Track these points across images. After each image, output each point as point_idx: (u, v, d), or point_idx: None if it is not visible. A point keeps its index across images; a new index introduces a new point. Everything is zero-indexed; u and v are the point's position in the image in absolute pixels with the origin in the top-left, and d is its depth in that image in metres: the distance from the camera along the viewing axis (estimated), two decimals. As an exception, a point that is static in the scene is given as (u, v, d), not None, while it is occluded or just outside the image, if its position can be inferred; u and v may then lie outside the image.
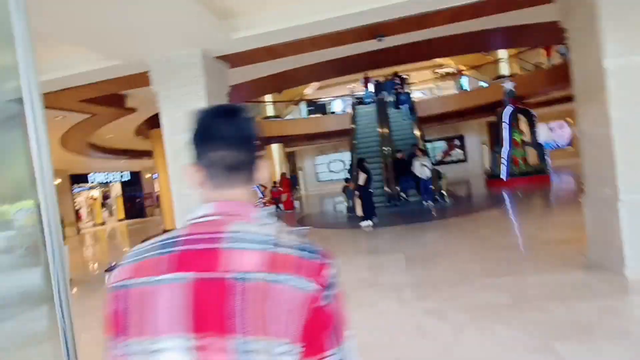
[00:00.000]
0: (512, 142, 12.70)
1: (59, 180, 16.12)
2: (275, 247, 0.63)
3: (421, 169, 10.30)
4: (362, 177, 8.34)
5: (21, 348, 1.35)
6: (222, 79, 5.24)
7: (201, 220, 0.69)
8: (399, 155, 11.44)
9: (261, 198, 14.72)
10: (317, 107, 23.85)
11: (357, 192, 8.68)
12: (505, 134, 12.69)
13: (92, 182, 19.81)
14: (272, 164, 19.48)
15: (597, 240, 4.17)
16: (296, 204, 15.10)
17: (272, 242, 0.64)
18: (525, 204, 9.58)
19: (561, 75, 14.34)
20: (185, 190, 4.57)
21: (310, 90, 25.93)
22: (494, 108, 18.03)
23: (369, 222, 8.34)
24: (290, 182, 14.29)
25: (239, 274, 0.60)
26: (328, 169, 24.94)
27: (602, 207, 4.01)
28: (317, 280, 0.62)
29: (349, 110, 17.65)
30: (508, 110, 12.75)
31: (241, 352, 0.58)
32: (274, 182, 14.44)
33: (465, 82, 20.78)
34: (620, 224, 3.70)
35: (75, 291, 6.14)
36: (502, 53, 17.79)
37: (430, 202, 10.27)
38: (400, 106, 15.35)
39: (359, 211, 8.43)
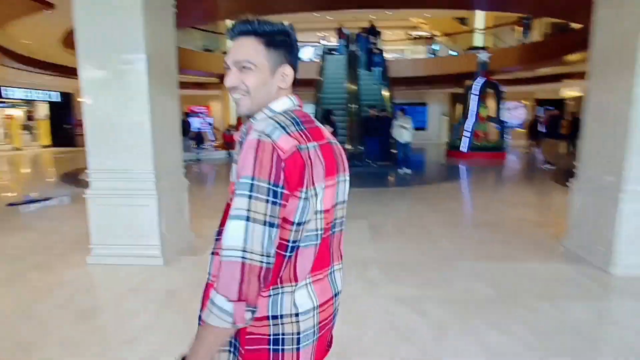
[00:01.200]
0: (478, 116, 12.44)
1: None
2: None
3: (400, 131, 9.41)
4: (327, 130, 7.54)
5: None
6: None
7: (295, 107, 0.96)
8: (371, 112, 10.37)
9: (212, 141, 13.47)
10: None
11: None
12: (473, 106, 12.36)
13: (8, 98, 16.94)
14: (227, 105, 17.93)
15: (581, 230, 3.81)
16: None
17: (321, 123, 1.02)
18: (488, 179, 9.43)
19: (535, 54, 14.17)
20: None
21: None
22: (462, 79, 17.76)
23: (328, 181, 7.70)
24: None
25: (332, 140, 0.97)
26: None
27: (597, 195, 3.59)
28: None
29: (318, 60, 16.28)
30: (479, 81, 12.34)
31: (343, 182, 0.98)
32: (229, 125, 13.15)
33: (437, 48, 20.07)
34: (617, 217, 3.30)
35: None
36: (479, 23, 17.22)
37: (406, 170, 9.37)
38: (373, 68, 14.31)
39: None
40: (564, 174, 9.61)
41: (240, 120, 9.88)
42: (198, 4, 6.60)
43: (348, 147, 10.40)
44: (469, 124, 12.34)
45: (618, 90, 3.35)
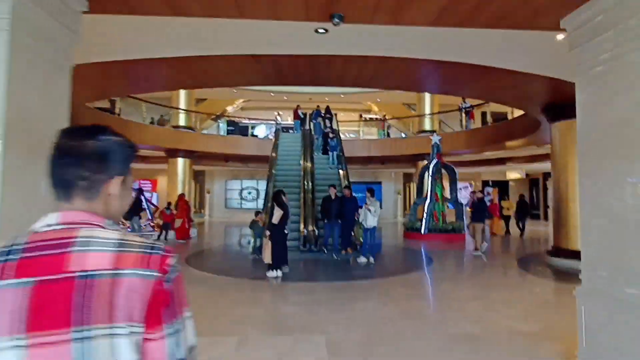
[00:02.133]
0: (434, 196, 12.22)
1: None
2: (122, 247, 0.72)
3: (367, 214, 8.05)
4: (277, 214, 6.56)
5: None
6: (61, 36, 2.79)
7: (45, 229, 0.74)
8: (331, 191, 9.06)
9: (149, 220, 11.94)
10: (239, 129, 21.82)
11: (267, 232, 6.82)
12: (429, 186, 12.18)
13: None
14: (174, 180, 16.66)
15: (600, 351, 2.97)
16: (193, 232, 12.56)
17: (119, 245, 0.72)
18: (453, 267, 8.71)
19: (480, 139, 14.92)
20: None
21: (232, 108, 23.90)
22: (414, 160, 18.24)
23: (278, 273, 6.51)
24: (188, 205, 11.76)
25: (85, 273, 0.67)
26: (240, 196, 22.64)
27: (615, 309, 2.83)
28: (159, 268, 0.72)
29: (272, 137, 15.93)
30: (433, 162, 12.36)
31: (79, 340, 0.65)
32: (168, 203, 11.81)
33: (389, 130, 20.84)
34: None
35: None
36: (427, 109, 18.17)
37: (371, 258, 8.10)
38: (330, 152, 13.99)
39: (267, 257, 6.55)
40: (522, 258, 9.34)
41: (181, 198, 8.58)
42: (118, 70, 5.83)
43: (302, 230, 9.43)
44: (426, 204, 12.02)
45: (625, 174, 2.78)
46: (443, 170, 12.65)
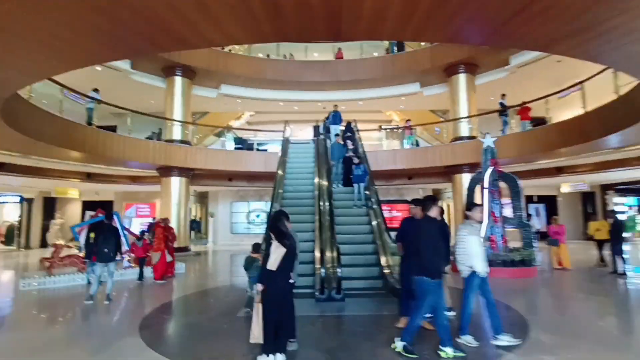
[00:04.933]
0: (491, 217, 9.29)
1: None
2: None
3: (471, 246, 4.20)
4: (275, 255, 3.80)
5: None
6: None
7: None
8: (412, 208, 4.95)
9: (127, 252, 9.32)
10: (247, 147, 18.82)
11: (258, 287, 4.04)
12: (486, 203, 9.28)
13: None
14: (168, 203, 14.20)
15: None
16: (180, 267, 9.88)
17: None
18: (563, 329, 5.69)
19: (538, 142, 11.86)
20: None
21: (237, 123, 21.63)
22: (449, 172, 15.35)
23: (277, 359, 3.71)
24: (168, 233, 9.07)
25: None
26: (247, 219, 20.03)
27: None
28: None
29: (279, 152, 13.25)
30: (489, 172, 9.49)
31: None
32: (141, 232, 9.21)
33: (415, 139, 17.78)
34: None
35: None
36: (463, 111, 15.37)
37: (470, 340, 4.20)
38: (354, 184, 10.08)
39: (256, 332, 3.77)
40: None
41: (158, 224, 5.76)
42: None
43: (317, 268, 6.66)
44: (484, 228, 9.08)
45: None
46: (502, 182, 9.75)
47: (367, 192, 10.01)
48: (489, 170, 9.56)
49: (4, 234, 18.81)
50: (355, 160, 10.63)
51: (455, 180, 15.22)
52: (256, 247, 6.24)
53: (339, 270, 6.53)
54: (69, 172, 14.45)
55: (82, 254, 8.74)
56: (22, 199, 18.22)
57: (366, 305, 6.17)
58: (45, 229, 17.50)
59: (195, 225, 19.81)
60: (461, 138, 14.88)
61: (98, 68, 12.65)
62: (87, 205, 19.16)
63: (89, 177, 15.27)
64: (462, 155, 14.29)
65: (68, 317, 5.98)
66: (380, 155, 15.22)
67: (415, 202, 5.05)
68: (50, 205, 19.32)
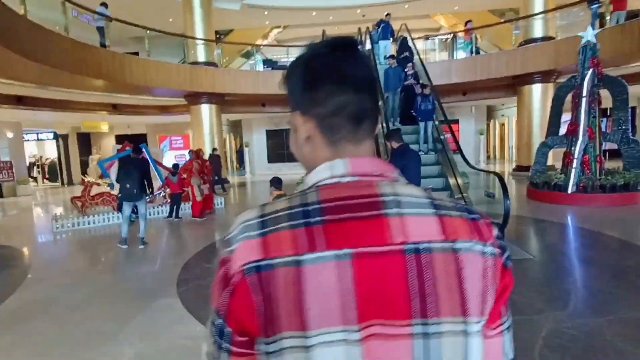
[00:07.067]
0: (587, 132, 7.49)
1: None
2: (439, 209, 0.52)
3: None
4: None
5: None
6: None
7: (335, 181, 0.53)
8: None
9: (161, 189, 8.57)
10: (276, 69, 17.00)
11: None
12: (582, 114, 7.42)
13: None
14: (200, 133, 13.21)
15: None
16: (219, 203, 9.07)
17: (433, 205, 0.52)
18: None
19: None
20: None
21: (265, 42, 19.49)
22: (516, 84, 13.01)
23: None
24: (200, 166, 7.98)
25: (421, 245, 0.49)
26: (285, 148, 18.91)
27: None
28: (493, 243, 0.52)
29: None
30: (588, 75, 7.44)
31: (421, 337, 0.48)
32: (174, 166, 8.22)
33: (473, 47, 15.00)
34: None
35: None
36: (538, 5, 12.50)
37: None
38: (420, 123, 7.80)
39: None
40: None
41: (198, 152, 4.60)
42: None
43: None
44: (577, 146, 7.36)
45: None
46: (601, 88, 7.72)
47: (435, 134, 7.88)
48: (589, 73, 7.49)
49: (47, 171, 18.98)
50: (425, 91, 7.92)
51: (523, 93, 13.00)
52: (276, 183, 4.53)
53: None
54: (94, 104, 13.52)
55: (114, 192, 8.05)
56: (56, 135, 17.87)
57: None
58: (84, 165, 17.32)
59: (240, 155, 19.14)
60: (534, 40, 12.29)
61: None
62: (120, 140, 18.65)
63: (115, 108, 14.33)
64: (534, 61, 11.92)
65: (98, 268, 5.25)
66: (432, 69, 12.96)
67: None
68: (86, 141, 19.02)
